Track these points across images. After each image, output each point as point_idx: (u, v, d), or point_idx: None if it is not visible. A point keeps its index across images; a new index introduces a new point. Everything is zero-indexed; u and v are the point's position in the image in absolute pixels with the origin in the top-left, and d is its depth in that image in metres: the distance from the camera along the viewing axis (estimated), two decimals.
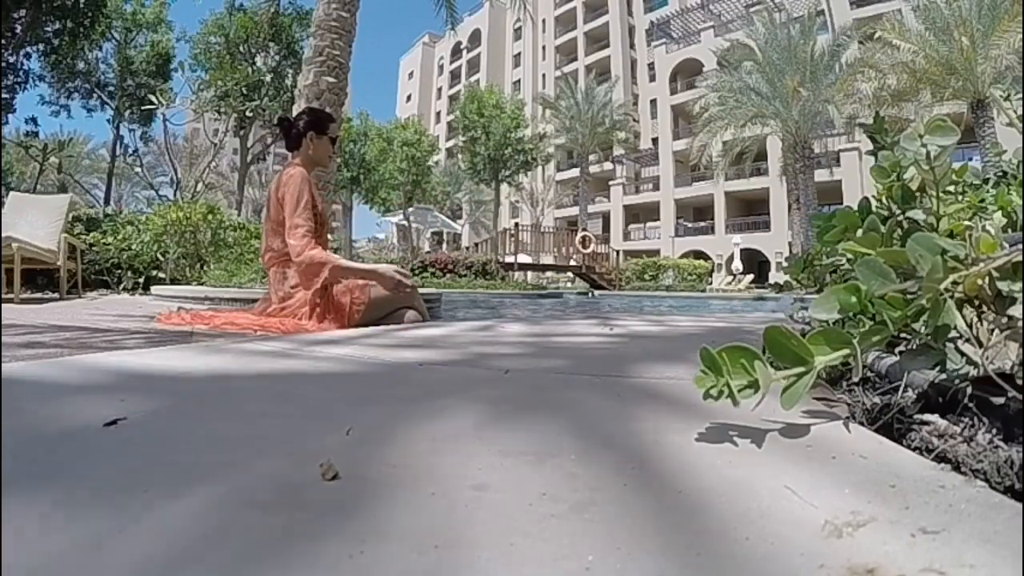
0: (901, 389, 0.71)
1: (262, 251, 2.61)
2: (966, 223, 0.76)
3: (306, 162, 2.57)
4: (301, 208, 2.39)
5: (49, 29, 15.28)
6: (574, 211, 33.98)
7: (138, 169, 21.14)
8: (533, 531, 0.39)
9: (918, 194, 0.83)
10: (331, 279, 2.39)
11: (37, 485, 0.46)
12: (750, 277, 21.48)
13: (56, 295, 5.18)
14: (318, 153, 2.63)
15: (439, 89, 57.21)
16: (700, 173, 27.27)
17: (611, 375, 1.01)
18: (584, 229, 21.48)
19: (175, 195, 13.66)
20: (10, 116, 15.93)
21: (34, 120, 17.55)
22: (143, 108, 19.28)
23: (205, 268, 6.35)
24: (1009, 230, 0.74)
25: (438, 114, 55.70)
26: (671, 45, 34.97)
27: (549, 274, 22.13)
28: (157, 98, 14.23)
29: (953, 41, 14.83)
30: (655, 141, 35.05)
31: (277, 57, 20.40)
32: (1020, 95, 1.06)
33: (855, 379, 0.66)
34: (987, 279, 0.56)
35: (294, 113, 5.96)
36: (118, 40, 20.75)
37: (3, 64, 14.27)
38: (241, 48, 20.16)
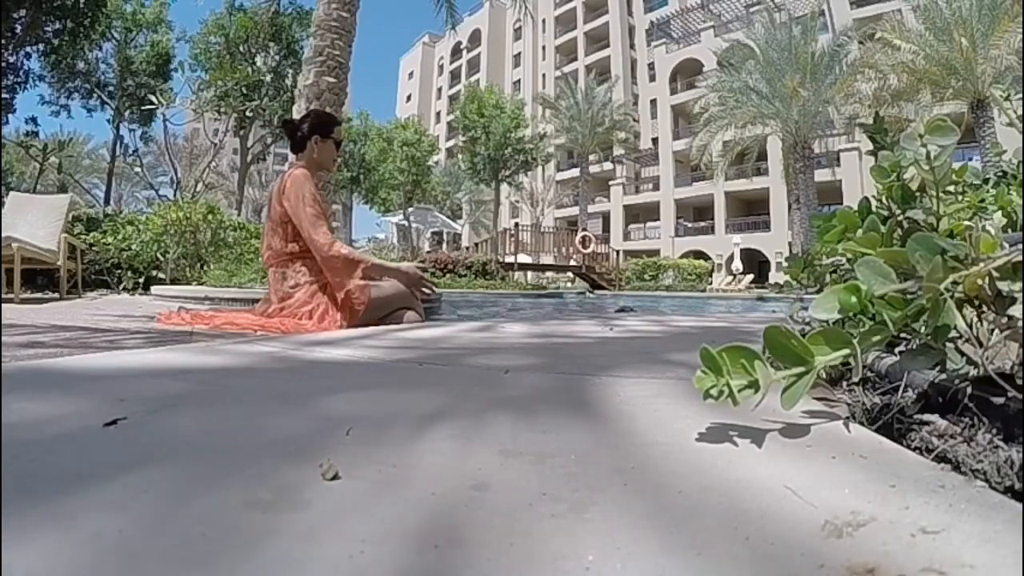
0: (901, 389, 0.71)
1: (262, 250, 2.61)
2: (966, 223, 0.76)
3: (310, 165, 2.57)
4: (311, 201, 2.40)
5: (49, 29, 15.24)
6: (574, 211, 33.98)
7: (138, 169, 21.13)
8: (533, 531, 0.39)
9: (918, 194, 0.83)
10: (364, 277, 2.44)
11: (37, 485, 0.46)
12: (750, 277, 21.49)
13: (56, 295, 5.18)
14: (322, 156, 2.62)
15: (439, 89, 57.19)
16: (700, 173, 27.24)
17: (611, 375, 1.01)
18: (584, 229, 21.47)
19: (175, 195, 13.65)
20: (10, 116, 15.92)
21: (34, 120, 17.51)
22: (143, 108, 19.27)
23: (205, 268, 6.35)
24: (1009, 230, 0.74)
25: (438, 114, 55.68)
26: (671, 45, 34.97)
27: (549, 274, 22.12)
28: (157, 98, 14.23)
29: (953, 41, 14.83)
30: (655, 141, 35.04)
31: (277, 57, 20.37)
32: (1020, 95, 1.06)
33: (855, 379, 0.66)
34: (987, 279, 0.56)
35: (294, 113, 5.97)
36: (118, 40, 20.71)
37: (3, 64, 14.26)
38: (241, 48, 20.13)
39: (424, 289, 2.61)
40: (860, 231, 0.76)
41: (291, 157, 2.70)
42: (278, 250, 2.48)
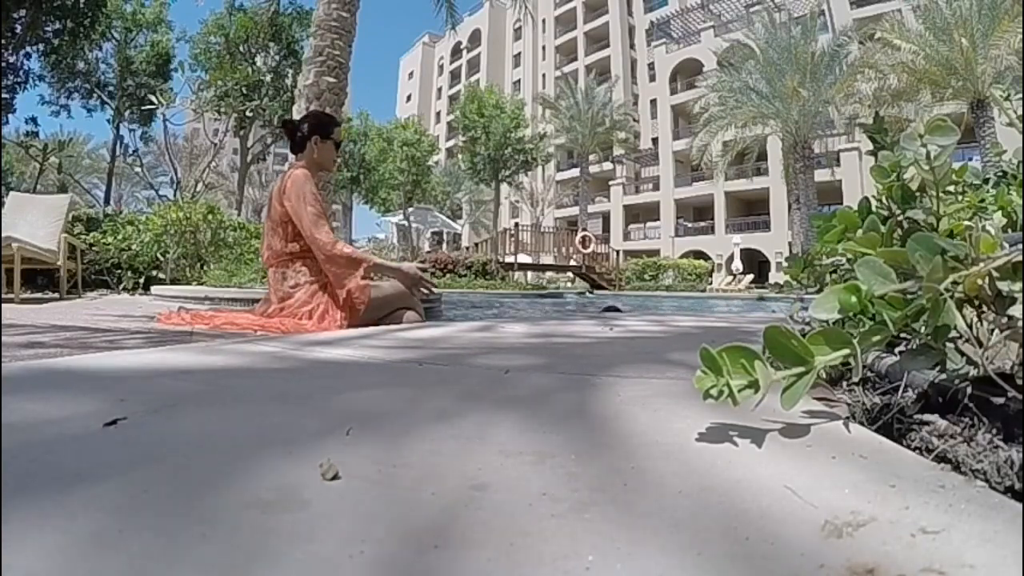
0: (901, 389, 0.71)
1: (262, 250, 2.62)
2: (966, 223, 0.76)
3: (310, 165, 2.57)
4: (312, 200, 2.42)
5: (49, 29, 15.24)
6: (574, 211, 33.97)
7: (138, 169, 21.11)
8: (533, 531, 0.39)
9: (918, 194, 0.83)
10: (365, 276, 2.46)
11: (37, 485, 0.46)
12: (750, 277, 21.51)
13: (56, 295, 5.18)
14: (322, 157, 2.62)
15: (439, 89, 57.19)
16: (700, 173, 27.25)
17: (611, 375, 1.01)
18: (584, 229, 21.47)
19: (175, 195, 13.64)
20: (10, 116, 15.92)
21: (34, 120, 17.51)
22: (143, 108, 19.27)
23: (205, 268, 6.35)
24: (1009, 230, 0.74)
25: (438, 114, 55.68)
26: (671, 45, 34.97)
27: (549, 274, 22.13)
28: (157, 98, 14.22)
29: (953, 41, 14.83)
30: (655, 141, 35.04)
31: (277, 57, 20.36)
32: (1020, 95, 1.06)
33: (855, 379, 0.66)
34: (987, 279, 0.56)
35: (294, 113, 5.97)
36: (118, 40, 20.71)
37: (3, 64, 14.26)
38: (241, 48, 20.13)
39: (424, 289, 2.63)
40: (860, 231, 0.76)
41: (291, 157, 2.70)
42: (278, 250, 2.48)
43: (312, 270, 2.49)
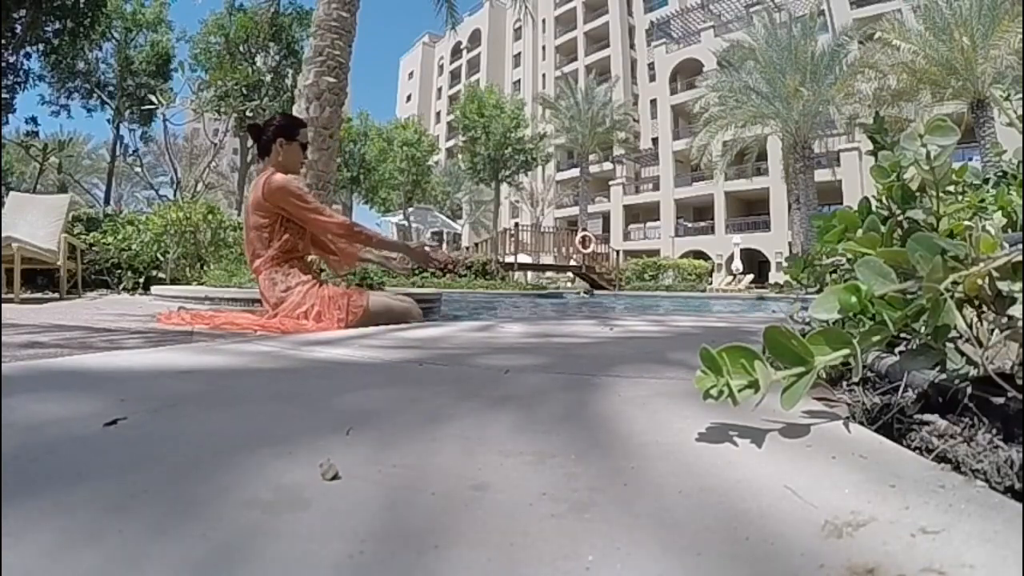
0: (901, 389, 0.71)
1: (248, 259, 2.58)
2: (966, 223, 0.76)
3: (278, 169, 2.52)
4: (306, 195, 2.49)
5: (49, 29, 15.27)
6: (574, 211, 33.97)
7: (138, 169, 21.10)
8: (533, 531, 0.39)
9: (918, 194, 0.83)
10: (375, 247, 2.68)
11: (37, 485, 0.46)
12: (750, 277, 21.50)
13: (56, 295, 5.17)
14: (288, 159, 2.58)
15: (439, 89, 57.18)
16: (700, 173, 27.23)
17: (611, 375, 1.01)
18: (584, 229, 21.45)
19: (175, 195, 13.64)
20: (10, 116, 15.94)
21: (34, 120, 17.57)
22: (143, 108, 19.31)
23: (205, 268, 6.34)
24: (1009, 230, 0.74)
25: (438, 114, 55.67)
26: (671, 45, 34.97)
27: (549, 274, 22.10)
28: (157, 98, 14.21)
29: (953, 41, 14.82)
30: (655, 141, 35.03)
31: (277, 57, 20.40)
32: (1020, 95, 1.06)
33: (855, 379, 0.66)
34: (987, 279, 0.56)
35: (294, 113, 5.97)
36: (118, 40, 20.75)
37: (3, 64, 14.27)
38: (241, 48, 20.16)
39: (449, 267, 2.88)
40: (860, 231, 0.76)
41: (263, 163, 2.67)
42: (264, 256, 2.46)
43: (302, 270, 2.48)
